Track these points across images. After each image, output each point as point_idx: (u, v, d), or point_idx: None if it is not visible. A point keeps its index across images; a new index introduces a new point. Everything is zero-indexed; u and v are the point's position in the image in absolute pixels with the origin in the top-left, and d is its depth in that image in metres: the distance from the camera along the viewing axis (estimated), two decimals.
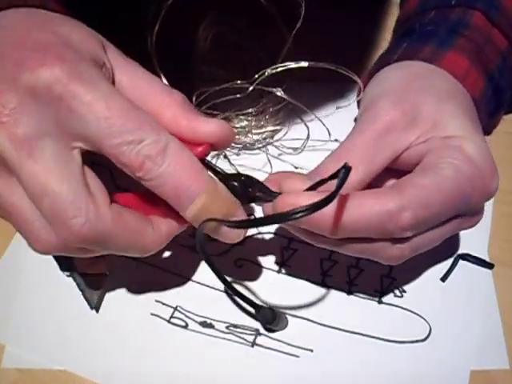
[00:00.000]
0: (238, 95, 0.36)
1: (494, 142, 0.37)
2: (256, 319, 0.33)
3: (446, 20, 0.34)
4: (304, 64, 0.32)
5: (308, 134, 0.40)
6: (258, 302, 0.33)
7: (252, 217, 0.33)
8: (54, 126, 0.23)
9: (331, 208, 0.24)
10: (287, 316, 0.33)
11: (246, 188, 0.27)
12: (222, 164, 0.41)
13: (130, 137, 0.23)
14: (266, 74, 0.34)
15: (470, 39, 0.33)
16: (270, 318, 0.31)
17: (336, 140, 0.39)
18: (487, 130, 0.38)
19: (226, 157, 0.41)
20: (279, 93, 0.36)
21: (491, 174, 0.27)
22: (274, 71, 0.33)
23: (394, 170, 0.29)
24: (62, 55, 0.23)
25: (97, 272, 0.34)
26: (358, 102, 0.36)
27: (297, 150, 0.41)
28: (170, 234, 0.28)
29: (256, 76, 0.34)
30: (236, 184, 0.27)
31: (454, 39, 0.33)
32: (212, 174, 0.26)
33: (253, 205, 0.37)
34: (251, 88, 0.35)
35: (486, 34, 0.33)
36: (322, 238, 0.27)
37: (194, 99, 0.37)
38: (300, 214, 0.22)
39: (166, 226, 0.27)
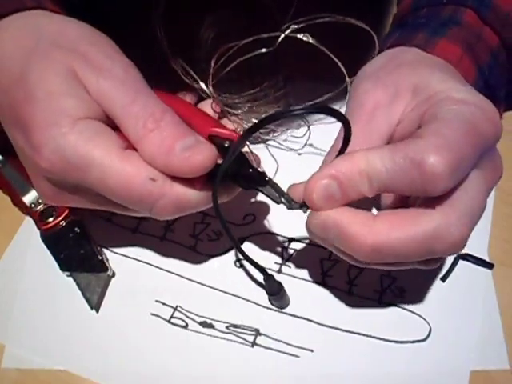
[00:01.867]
0: (264, 49, 0.35)
1: None
2: (262, 287, 0.34)
3: (437, 16, 0.34)
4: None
5: (308, 127, 0.40)
6: (262, 303, 0.34)
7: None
8: (89, 191, 0.26)
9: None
10: (287, 316, 0.33)
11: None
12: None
13: (138, 207, 0.26)
14: (291, 28, 0.34)
15: (460, 34, 0.33)
16: (276, 289, 0.32)
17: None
18: None
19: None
20: (307, 38, 0.34)
21: (489, 107, 0.26)
22: (298, 26, 0.33)
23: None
24: (47, 144, 0.24)
25: None
26: None
27: (299, 141, 0.41)
28: None
29: (285, 26, 0.34)
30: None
31: (446, 30, 0.33)
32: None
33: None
34: (282, 36, 0.34)
35: (477, 32, 0.33)
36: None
37: (212, 64, 0.36)
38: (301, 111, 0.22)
39: None
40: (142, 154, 0.25)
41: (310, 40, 0.34)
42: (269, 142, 0.42)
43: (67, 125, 0.24)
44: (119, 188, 0.24)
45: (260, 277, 0.35)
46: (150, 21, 0.36)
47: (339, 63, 0.34)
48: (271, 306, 0.34)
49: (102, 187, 0.25)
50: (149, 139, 0.25)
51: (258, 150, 0.41)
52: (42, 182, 0.26)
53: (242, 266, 0.35)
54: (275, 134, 0.42)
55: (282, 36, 0.34)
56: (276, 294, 0.32)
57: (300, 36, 0.34)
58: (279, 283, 0.32)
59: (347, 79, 0.35)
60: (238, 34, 0.41)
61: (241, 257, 0.36)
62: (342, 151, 0.26)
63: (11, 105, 0.25)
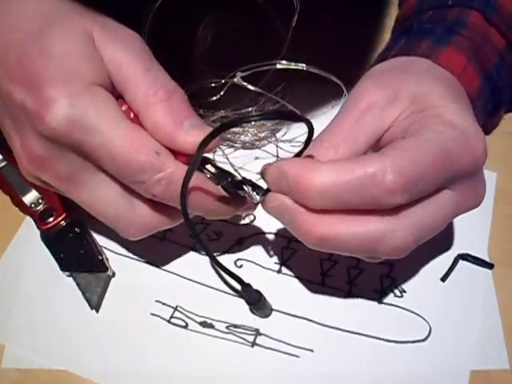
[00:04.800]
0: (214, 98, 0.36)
1: (494, 142, 0.37)
2: (242, 297, 0.33)
3: (443, 20, 0.34)
4: (280, 66, 0.31)
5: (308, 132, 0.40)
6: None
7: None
8: (82, 162, 0.26)
9: (310, 165, 0.24)
10: (287, 316, 0.33)
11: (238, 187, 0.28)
12: (223, 164, 0.41)
13: (134, 178, 0.25)
14: (237, 76, 0.33)
15: (467, 38, 0.33)
16: (256, 298, 0.32)
17: None
18: (486, 129, 0.38)
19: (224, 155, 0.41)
20: (250, 86, 0.34)
21: (475, 136, 0.26)
22: (245, 73, 0.33)
23: None
24: (57, 99, 0.24)
25: None
26: None
27: (296, 148, 0.41)
28: None
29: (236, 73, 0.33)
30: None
31: (452, 37, 0.33)
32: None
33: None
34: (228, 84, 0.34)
35: (483, 34, 0.33)
36: (312, 233, 0.25)
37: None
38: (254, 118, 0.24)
39: None
40: (147, 120, 0.25)
41: (250, 87, 0.34)
42: (268, 146, 0.42)
43: (82, 86, 0.24)
44: (122, 155, 0.24)
45: (260, 277, 0.35)
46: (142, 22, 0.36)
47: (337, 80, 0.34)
48: (271, 306, 0.34)
49: (102, 152, 0.24)
50: (158, 108, 0.25)
51: (259, 150, 0.42)
52: (33, 139, 0.25)
53: (241, 266, 0.35)
54: (276, 134, 0.42)
55: (228, 85, 0.35)
56: (255, 303, 0.32)
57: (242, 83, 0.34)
58: (258, 292, 0.32)
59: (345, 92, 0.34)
60: (235, 34, 0.42)
61: (242, 256, 0.36)
62: (301, 151, 0.27)
63: (21, 59, 0.25)
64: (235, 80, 0.33)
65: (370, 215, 0.24)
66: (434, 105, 0.27)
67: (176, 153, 0.26)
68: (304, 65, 0.30)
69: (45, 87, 0.24)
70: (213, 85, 0.36)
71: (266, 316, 0.33)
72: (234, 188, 0.27)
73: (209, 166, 0.27)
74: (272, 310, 0.33)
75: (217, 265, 0.31)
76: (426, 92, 0.28)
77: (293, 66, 0.30)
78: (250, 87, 0.34)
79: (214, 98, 0.36)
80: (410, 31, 0.35)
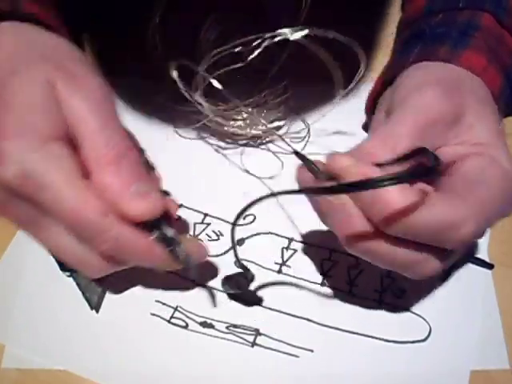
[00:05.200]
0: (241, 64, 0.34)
1: None
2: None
3: (455, 22, 0.34)
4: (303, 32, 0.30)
5: (308, 130, 0.40)
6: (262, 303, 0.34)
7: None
8: (39, 211, 0.25)
9: (399, 195, 0.23)
10: (287, 316, 0.33)
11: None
12: (224, 162, 0.41)
13: (83, 235, 0.26)
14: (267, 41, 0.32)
15: (482, 40, 0.32)
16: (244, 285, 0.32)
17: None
18: None
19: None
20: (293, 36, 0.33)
21: None
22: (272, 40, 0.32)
23: None
24: (13, 154, 0.24)
25: None
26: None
27: (299, 143, 0.41)
28: None
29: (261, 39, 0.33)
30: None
31: (468, 39, 0.32)
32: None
33: None
34: (265, 43, 0.32)
35: (496, 36, 0.33)
36: (366, 230, 0.25)
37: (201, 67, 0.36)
38: (388, 182, 0.21)
39: None
40: (96, 180, 0.25)
41: (293, 37, 0.32)
42: (269, 145, 0.42)
43: (37, 141, 0.24)
44: (71, 214, 0.25)
45: (260, 277, 0.35)
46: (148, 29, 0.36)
47: (334, 68, 0.33)
48: (271, 306, 0.34)
49: (53, 208, 0.25)
50: (106, 170, 0.25)
51: (260, 150, 0.42)
52: None
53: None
54: (278, 132, 0.42)
55: (265, 43, 0.33)
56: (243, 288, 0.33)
57: (286, 34, 0.33)
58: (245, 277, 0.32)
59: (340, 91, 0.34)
60: (239, 35, 0.41)
61: (242, 256, 0.36)
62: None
63: None
64: (265, 42, 0.32)
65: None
66: (490, 143, 0.27)
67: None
68: (333, 31, 0.30)
69: (0, 140, 0.24)
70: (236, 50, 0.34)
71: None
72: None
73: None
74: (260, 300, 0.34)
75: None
76: (480, 126, 0.28)
77: (321, 32, 0.29)
78: (292, 37, 0.31)
79: (240, 64, 0.34)
80: (423, 36, 0.34)
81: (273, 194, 0.25)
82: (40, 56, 0.26)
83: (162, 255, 0.27)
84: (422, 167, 0.24)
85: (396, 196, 0.23)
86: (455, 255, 0.27)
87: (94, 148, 0.25)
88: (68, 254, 0.27)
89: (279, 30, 0.31)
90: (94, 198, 0.25)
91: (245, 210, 0.25)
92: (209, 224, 0.37)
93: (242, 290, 0.33)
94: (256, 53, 0.33)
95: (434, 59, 0.31)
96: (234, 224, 0.27)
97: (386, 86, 0.34)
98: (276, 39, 0.31)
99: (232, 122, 0.40)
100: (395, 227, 0.24)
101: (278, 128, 0.42)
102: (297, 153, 0.27)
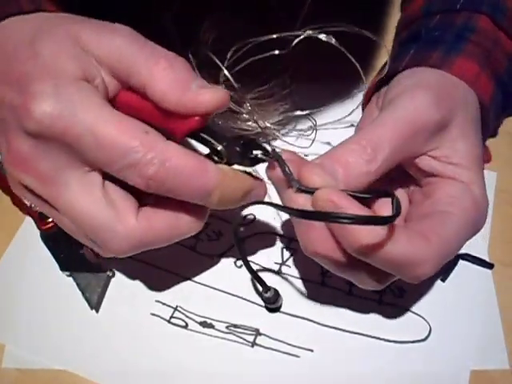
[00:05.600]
0: (277, 51, 0.35)
1: (495, 142, 0.37)
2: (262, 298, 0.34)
3: (452, 25, 0.33)
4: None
5: (315, 124, 0.40)
6: (262, 303, 0.34)
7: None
8: (66, 159, 0.24)
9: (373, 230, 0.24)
10: (287, 316, 0.33)
11: (247, 151, 0.27)
12: None
13: (125, 161, 0.23)
14: (302, 36, 0.33)
15: (477, 44, 0.32)
16: (274, 298, 0.32)
17: (352, 125, 0.41)
18: (495, 132, 0.38)
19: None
20: (331, 40, 0.34)
21: (486, 212, 0.28)
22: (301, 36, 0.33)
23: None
24: (41, 92, 0.23)
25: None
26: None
27: (305, 138, 0.41)
28: (202, 212, 0.28)
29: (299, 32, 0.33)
30: (238, 149, 0.26)
31: (462, 44, 0.32)
32: (217, 145, 0.26)
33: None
34: (302, 37, 0.34)
35: (492, 38, 0.33)
36: (331, 251, 0.26)
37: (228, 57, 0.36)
38: (349, 220, 0.22)
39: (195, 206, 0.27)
40: (153, 91, 0.25)
41: (333, 41, 0.34)
42: (276, 143, 0.42)
43: (67, 79, 0.24)
44: (108, 138, 0.23)
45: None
46: (159, 22, 0.35)
47: (358, 66, 0.34)
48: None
49: (88, 139, 0.23)
50: (162, 76, 0.25)
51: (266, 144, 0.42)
52: (18, 140, 0.24)
53: (241, 266, 0.35)
54: (282, 133, 0.42)
55: (301, 37, 0.34)
56: (275, 302, 0.33)
57: (322, 37, 0.34)
58: (275, 290, 0.33)
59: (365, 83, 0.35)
60: (237, 35, 0.41)
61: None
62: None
63: (11, 63, 0.25)
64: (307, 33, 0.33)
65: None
66: (465, 167, 0.28)
67: (177, 124, 0.25)
68: (345, 24, 0.31)
69: (31, 83, 0.24)
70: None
71: (280, 305, 0.34)
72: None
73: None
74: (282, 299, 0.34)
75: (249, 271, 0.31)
76: (462, 149, 0.28)
77: (339, 27, 0.31)
78: (333, 41, 0.34)
79: (277, 52, 0.35)
80: (419, 38, 0.34)
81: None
82: (61, 22, 0.26)
83: (216, 175, 0.25)
84: (381, 217, 0.25)
85: (365, 233, 0.24)
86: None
87: (143, 65, 0.25)
88: (91, 217, 0.25)
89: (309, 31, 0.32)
90: (132, 120, 0.24)
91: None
92: (209, 224, 0.37)
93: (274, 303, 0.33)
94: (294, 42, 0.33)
95: (426, 65, 0.31)
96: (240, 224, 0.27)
97: (382, 86, 0.34)
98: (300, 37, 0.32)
99: (237, 119, 0.40)
100: (359, 255, 0.25)
101: (283, 126, 0.42)
102: (274, 151, 0.27)
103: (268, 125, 0.41)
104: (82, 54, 0.25)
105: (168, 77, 0.25)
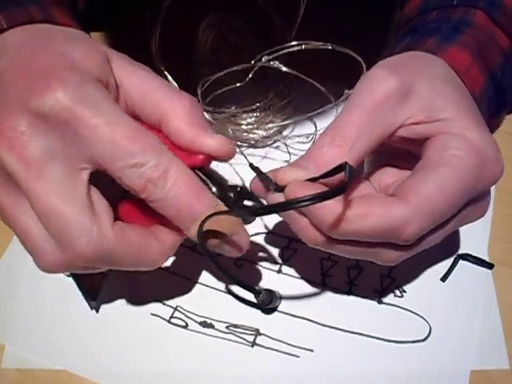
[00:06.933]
0: (238, 84, 0.36)
1: None
2: (256, 304, 0.33)
3: (448, 19, 0.34)
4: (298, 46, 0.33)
5: (315, 129, 0.40)
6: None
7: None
8: (61, 148, 0.24)
9: (336, 206, 0.24)
10: (287, 316, 0.33)
11: (240, 199, 0.28)
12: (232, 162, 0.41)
13: (132, 160, 0.24)
14: (263, 59, 0.34)
15: (472, 37, 0.32)
16: (268, 299, 0.32)
17: None
18: (490, 130, 0.38)
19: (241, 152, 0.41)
20: (282, 67, 0.35)
21: (495, 160, 0.26)
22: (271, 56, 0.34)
23: (393, 155, 0.30)
24: (66, 79, 0.24)
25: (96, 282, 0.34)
26: None
27: (305, 144, 0.41)
28: (174, 245, 0.28)
29: (257, 58, 0.34)
30: (231, 196, 0.28)
31: (457, 36, 0.32)
32: (211, 186, 0.27)
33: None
34: (256, 68, 0.35)
35: (488, 33, 0.33)
36: (318, 237, 0.26)
37: (199, 88, 0.37)
38: (307, 203, 0.22)
39: (170, 236, 0.28)
40: (172, 124, 0.26)
41: (283, 68, 0.35)
42: (277, 144, 0.42)
43: (93, 79, 0.25)
44: (125, 134, 0.24)
45: (260, 277, 0.35)
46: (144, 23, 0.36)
47: (322, 89, 0.36)
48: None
49: (103, 131, 0.23)
50: (183, 115, 0.26)
51: (264, 151, 0.42)
52: (14, 115, 0.24)
53: (241, 266, 0.35)
54: (284, 135, 0.42)
55: (256, 68, 0.35)
56: (270, 303, 0.32)
57: (273, 64, 0.35)
58: (269, 291, 0.32)
59: (346, 91, 0.35)
60: (236, 35, 0.42)
61: (242, 256, 0.36)
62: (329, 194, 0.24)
63: (36, 55, 0.25)
64: (263, 60, 0.34)
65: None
66: (454, 118, 0.27)
67: (182, 159, 0.26)
68: (329, 44, 0.32)
69: (58, 72, 0.24)
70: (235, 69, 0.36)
71: (278, 305, 0.34)
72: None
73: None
74: (280, 297, 0.34)
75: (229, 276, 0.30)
76: (442, 101, 0.27)
77: (320, 45, 0.31)
78: (284, 68, 0.35)
79: (239, 85, 0.37)
80: (415, 30, 0.34)
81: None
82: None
83: (209, 207, 0.25)
84: (331, 189, 0.24)
85: (332, 209, 0.24)
86: (415, 245, 0.27)
87: (166, 98, 0.26)
88: (65, 210, 0.24)
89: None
90: (146, 129, 0.25)
91: None
92: None
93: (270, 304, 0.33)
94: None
95: (420, 49, 0.31)
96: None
97: None
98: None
99: (235, 128, 0.40)
100: (340, 234, 0.25)
101: (284, 129, 0.42)
102: (251, 165, 0.29)
103: (267, 132, 0.41)
104: (107, 68, 0.26)
105: (187, 111, 0.26)
